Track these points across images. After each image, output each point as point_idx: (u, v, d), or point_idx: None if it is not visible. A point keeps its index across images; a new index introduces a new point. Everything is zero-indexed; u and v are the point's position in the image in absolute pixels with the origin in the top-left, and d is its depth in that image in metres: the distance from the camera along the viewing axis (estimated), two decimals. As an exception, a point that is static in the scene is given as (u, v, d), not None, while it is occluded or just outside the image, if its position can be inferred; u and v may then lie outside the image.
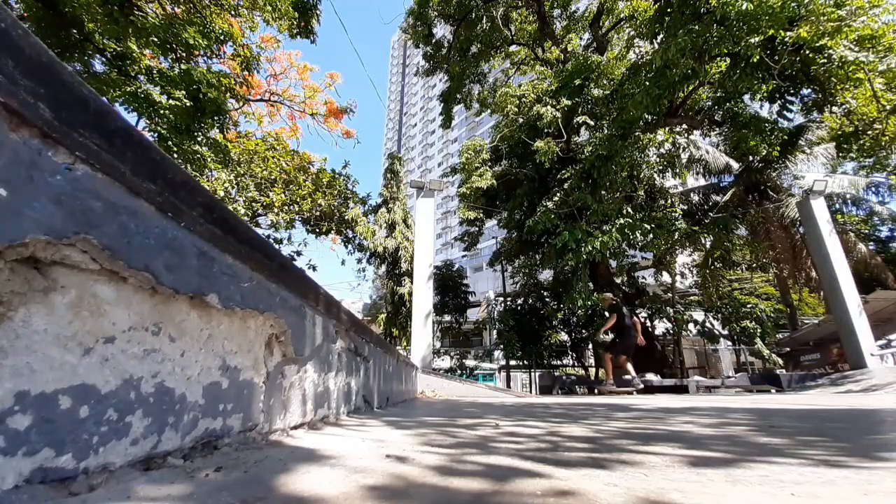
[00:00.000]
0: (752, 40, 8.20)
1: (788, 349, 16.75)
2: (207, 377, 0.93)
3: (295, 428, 1.48)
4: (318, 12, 8.41)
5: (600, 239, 9.79)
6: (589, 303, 10.80)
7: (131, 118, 11.72)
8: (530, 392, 16.52)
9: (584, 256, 9.98)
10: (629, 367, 7.88)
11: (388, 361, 3.74)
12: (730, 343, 18.19)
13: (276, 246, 12.21)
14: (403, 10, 15.95)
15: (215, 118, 7.87)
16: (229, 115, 14.17)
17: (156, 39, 7.25)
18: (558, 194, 11.66)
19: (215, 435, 0.96)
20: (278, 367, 1.31)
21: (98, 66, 9.07)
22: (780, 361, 16.18)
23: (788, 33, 8.39)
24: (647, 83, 9.52)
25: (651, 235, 11.24)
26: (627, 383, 8.07)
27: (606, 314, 8.31)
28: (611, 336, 8.47)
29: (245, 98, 15.90)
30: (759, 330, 15.71)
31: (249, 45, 9.26)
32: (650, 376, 11.55)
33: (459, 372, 18.77)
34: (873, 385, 7.81)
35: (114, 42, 8.24)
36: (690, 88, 10.91)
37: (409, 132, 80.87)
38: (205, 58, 9.24)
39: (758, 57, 8.25)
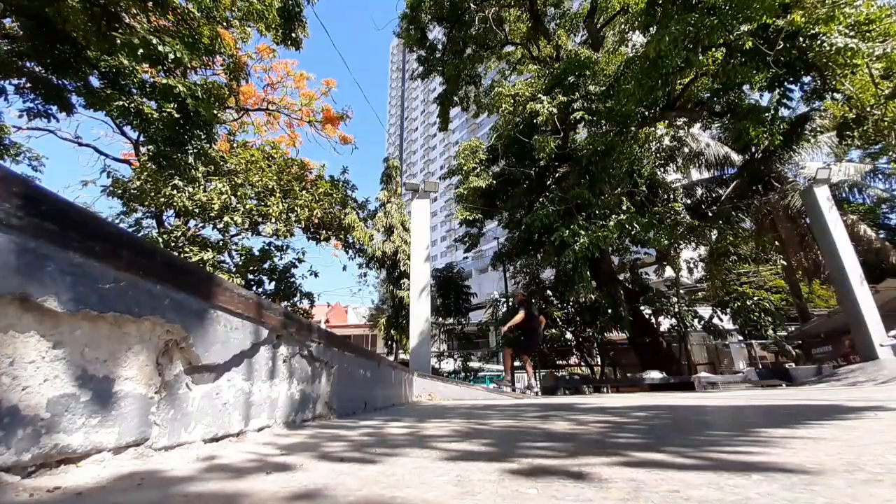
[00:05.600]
0: (744, 28, 8.03)
1: (800, 342, 16.36)
2: (56, 388, 0.85)
3: (216, 440, 1.40)
4: (303, 21, 8.41)
5: (596, 234, 9.64)
6: (591, 297, 10.65)
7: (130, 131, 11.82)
8: (536, 393, 16.31)
9: (583, 253, 9.82)
10: (529, 368, 7.42)
11: (365, 366, 3.65)
12: (740, 337, 17.83)
13: (278, 254, 12.21)
14: (397, 14, 15.97)
15: (203, 130, 7.88)
16: (226, 125, 14.27)
17: (142, 52, 7.28)
18: (556, 191, 11.54)
19: (70, 451, 0.88)
20: (181, 376, 1.23)
21: (95, 81, 9.20)
22: (795, 353, 15.79)
23: (781, 20, 8.20)
24: (640, 75, 9.38)
25: (652, 231, 11.05)
26: (521, 388, 7.95)
27: (517, 308, 7.99)
28: (516, 332, 8.18)
29: (243, 108, 16.01)
30: (769, 321, 15.36)
31: (236, 54, 9.29)
32: (654, 374, 11.33)
33: (463, 374, 18.61)
34: (885, 377, 7.55)
35: (105, 57, 8.31)
36: (687, 80, 10.75)
37: (410, 136, 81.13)
38: (199, 70, 9.31)
39: (750, 44, 8.08)
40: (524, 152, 13.02)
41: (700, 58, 8.79)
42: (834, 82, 8.83)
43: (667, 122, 13.04)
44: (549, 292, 16.37)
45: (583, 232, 9.94)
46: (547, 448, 1.39)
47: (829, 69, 8.77)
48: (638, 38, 12.23)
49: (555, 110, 11.17)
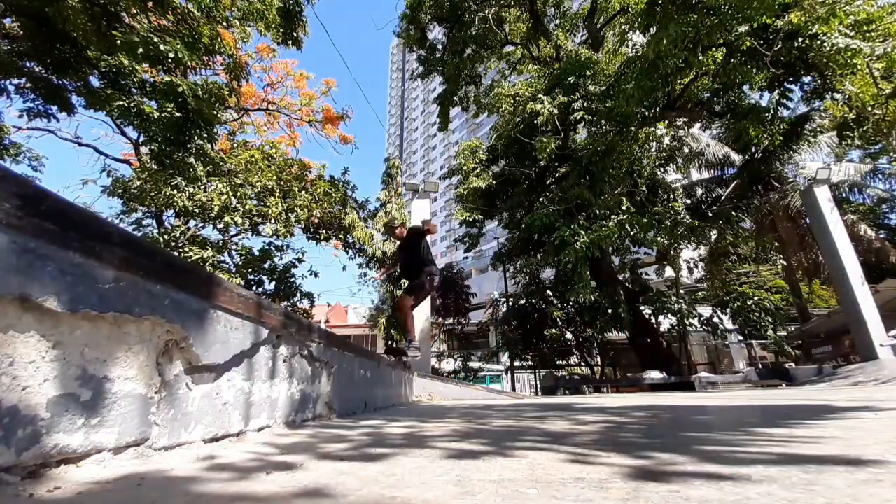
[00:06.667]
0: (742, 28, 8.04)
1: (800, 342, 16.36)
2: (56, 388, 0.85)
3: (216, 440, 1.40)
4: (303, 21, 8.41)
5: (597, 233, 9.64)
6: (591, 298, 10.64)
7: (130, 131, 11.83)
8: (537, 393, 16.34)
9: (583, 252, 9.82)
10: (411, 319, 4.55)
11: (365, 366, 3.65)
12: (741, 337, 17.85)
13: (278, 254, 12.19)
14: (397, 14, 15.96)
15: (203, 130, 7.87)
16: (227, 125, 14.24)
17: (142, 52, 7.27)
18: (556, 191, 11.55)
19: (70, 451, 0.88)
20: (181, 376, 1.23)
21: (95, 81, 9.19)
22: (794, 353, 15.80)
23: (781, 21, 8.20)
24: (640, 76, 9.38)
25: (652, 231, 11.04)
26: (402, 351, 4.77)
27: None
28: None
29: (243, 108, 16.00)
30: (769, 321, 15.37)
31: (236, 54, 9.28)
32: (654, 374, 11.33)
33: (464, 374, 18.60)
34: (885, 377, 7.55)
35: (105, 57, 8.30)
36: (687, 80, 10.74)
37: (410, 136, 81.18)
38: (199, 70, 9.30)
39: (748, 44, 8.07)
40: (524, 152, 13.03)
41: (700, 58, 8.79)
42: (834, 82, 8.82)
43: (667, 122, 13.04)
44: (549, 292, 16.38)
45: (583, 232, 9.94)
46: (546, 448, 1.39)
47: (829, 69, 8.77)
48: (638, 39, 12.23)
49: (555, 110, 11.16)
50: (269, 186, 11.68)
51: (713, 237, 14.74)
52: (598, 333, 13.97)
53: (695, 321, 15.53)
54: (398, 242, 5.00)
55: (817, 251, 13.29)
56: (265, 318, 1.68)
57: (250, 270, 11.29)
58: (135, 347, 1.06)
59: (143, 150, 11.43)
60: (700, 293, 17.94)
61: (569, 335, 17.45)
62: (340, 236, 14.02)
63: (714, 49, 9.21)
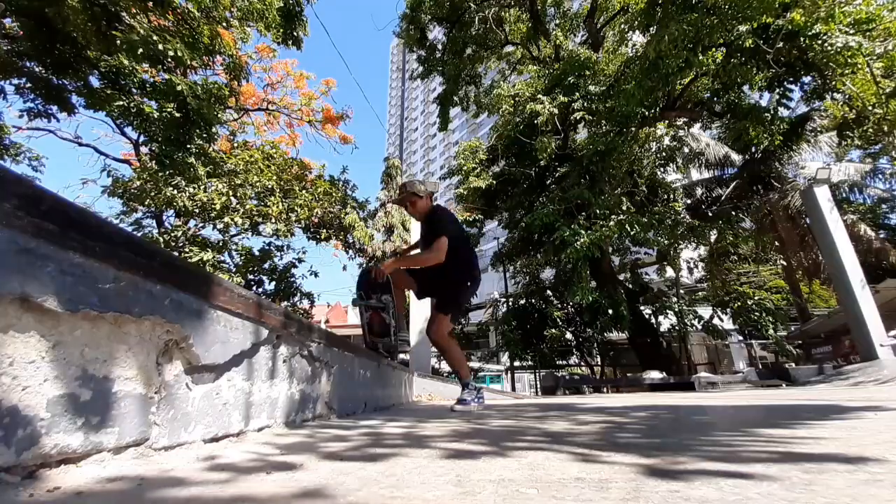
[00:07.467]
0: (744, 28, 8.05)
1: (800, 342, 16.37)
2: (56, 388, 0.85)
3: (216, 440, 1.40)
4: (303, 21, 8.42)
5: (597, 233, 9.64)
6: (590, 298, 10.65)
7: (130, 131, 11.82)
8: (537, 393, 16.35)
9: (584, 252, 9.82)
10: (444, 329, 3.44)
11: (365, 366, 3.65)
12: (741, 337, 17.85)
13: (278, 254, 12.16)
14: (397, 14, 15.96)
15: (203, 130, 7.87)
16: (227, 125, 14.24)
17: (142, 52, 7.27)
18: (557, 191, 11.55)
19: (70, 451, 0.88)
20: (181, 376, 1.23)
21: (95, 81, 9.20)
22: (795, 353, 15.81)
23: (780, 20, 8.21)
24: (640, 76, 9.39)
25: (652, 231, 11.04)
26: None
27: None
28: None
29: (243, 108, 16.00)
30: (769, 320, 15.39)
31: (236, 54, 9.29)
32: (654, 374, 11.33)
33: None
34: (885, 377, 7.55)
35: (105, 57, 8.30)
36: (687, 80, 10.75)
37: (410, 136, 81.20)
38: (199, 70, 9.31)
39: (750, 43, 8.08)
40: (524, 152, 13.04)
41: (700, 58, 8.79)
42: (834, 82, 8.82)
43: (667, 122, 13.05)
44: (549, 292, 16.38)
45: (583, 231, 9.94)
46: (546, 448, 1.39)
47: (829, 69, 8.77)
48: (638, 38, 12.23)
49: (555, 111, 11.17)
50: (270, 186, 11.68)
51: (713, 237, 14.75)
52: (598, 333, 13.99)
53: (695, 321, 15.54)
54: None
55: (817, 251, 13.28)
56: (265, 318, 1.68)
57: (250, 270, 11.29)
58: (135, 347, 1.06)
59: (143, 150, 11.43)
60: (700, 293, 17.94)
61: (569, 335, 17.45)
62: (340, 236, 14.02)
63: (714, 49, 9.22)
